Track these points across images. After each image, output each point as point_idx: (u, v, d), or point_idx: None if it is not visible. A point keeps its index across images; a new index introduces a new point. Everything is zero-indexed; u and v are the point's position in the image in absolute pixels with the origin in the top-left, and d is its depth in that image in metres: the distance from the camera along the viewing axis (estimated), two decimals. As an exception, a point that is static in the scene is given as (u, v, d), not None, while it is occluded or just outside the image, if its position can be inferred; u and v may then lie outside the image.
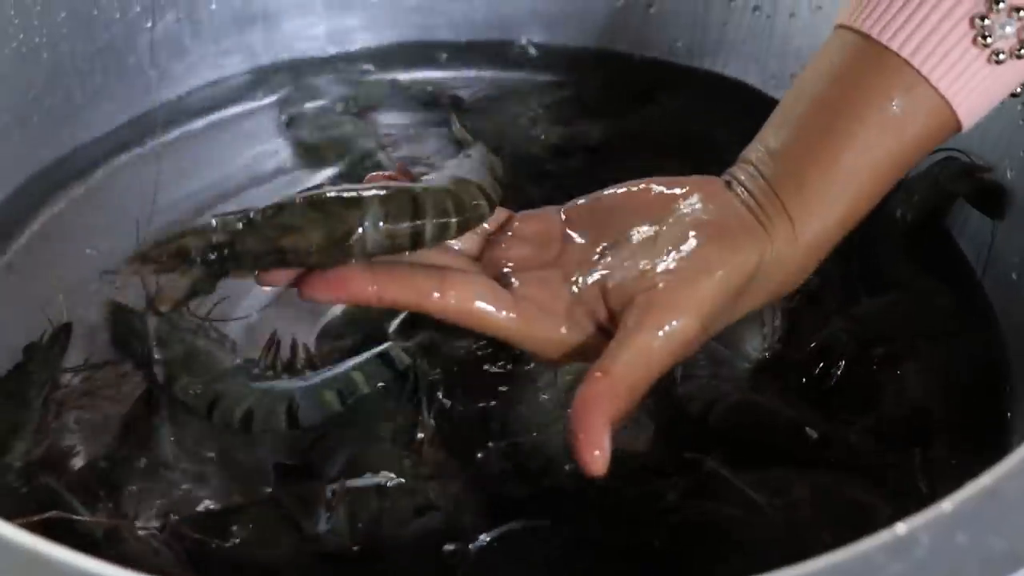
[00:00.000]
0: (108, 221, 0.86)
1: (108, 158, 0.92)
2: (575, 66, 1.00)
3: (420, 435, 0.67)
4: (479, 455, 0.67)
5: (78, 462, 0.69)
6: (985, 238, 0.76)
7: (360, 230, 0.51)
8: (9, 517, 0.59)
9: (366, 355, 0.71)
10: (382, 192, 0.52)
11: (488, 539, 0.59)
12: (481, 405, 0.70)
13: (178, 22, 0.95)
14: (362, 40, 1.04)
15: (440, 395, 0.70)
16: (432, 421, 0.68)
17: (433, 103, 0.98)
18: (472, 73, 1.01)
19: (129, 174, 0.91)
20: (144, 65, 0.94)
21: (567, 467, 0.66)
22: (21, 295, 0.80)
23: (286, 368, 0.73)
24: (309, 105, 0.97)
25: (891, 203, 0.79)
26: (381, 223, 0.51)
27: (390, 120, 0.97)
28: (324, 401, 0.69)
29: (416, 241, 0.52)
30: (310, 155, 0.93)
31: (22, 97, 0.87)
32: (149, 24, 0.93)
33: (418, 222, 0.52)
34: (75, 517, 0.62)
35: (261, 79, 1.01)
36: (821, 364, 0.71)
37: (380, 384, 0.70)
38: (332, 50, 1.03)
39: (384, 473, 0.64)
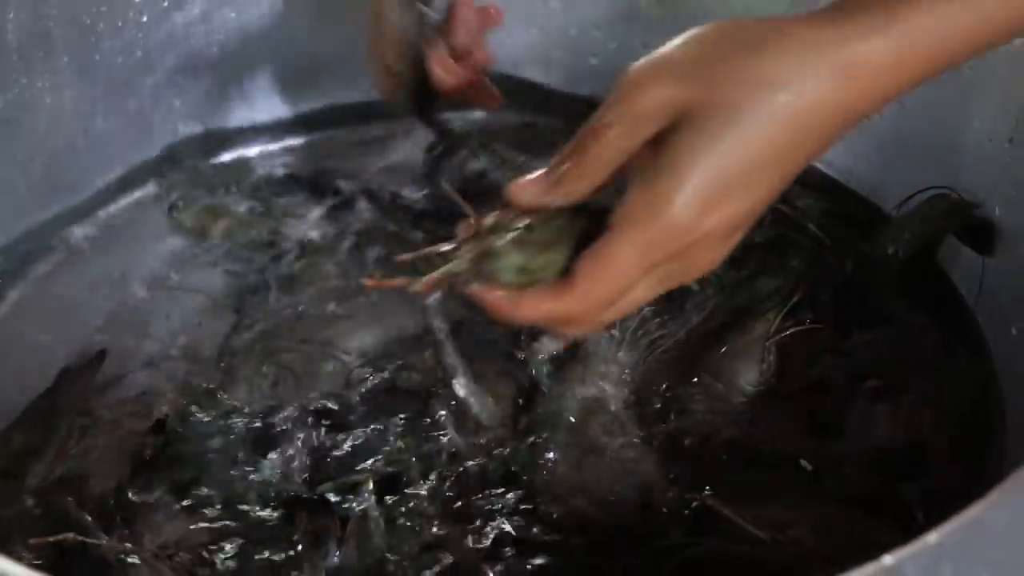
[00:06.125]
0: (114, 261, 0.88)
1: (112, 201, 0.93)
2: (567, 109, 0.98)
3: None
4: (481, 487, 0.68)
5: (94, 487, 0.70)
6: (977, 272, 0.77)
7: None
8: (26, 538, 0.61)
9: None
10: None
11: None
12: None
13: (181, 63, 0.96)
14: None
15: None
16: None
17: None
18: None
19: (130, 217, 0.92)
20: (146, 109, 0.95)
21: (570, 501, 0.66)
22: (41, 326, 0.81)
23: None
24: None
25: (882, 239, 0.80)
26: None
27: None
28: None
29: None
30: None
31: (26, 142, 0.87)
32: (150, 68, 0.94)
33: None
34: (88, 540, 0.63)
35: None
36: (815, 398, 0.72)
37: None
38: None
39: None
